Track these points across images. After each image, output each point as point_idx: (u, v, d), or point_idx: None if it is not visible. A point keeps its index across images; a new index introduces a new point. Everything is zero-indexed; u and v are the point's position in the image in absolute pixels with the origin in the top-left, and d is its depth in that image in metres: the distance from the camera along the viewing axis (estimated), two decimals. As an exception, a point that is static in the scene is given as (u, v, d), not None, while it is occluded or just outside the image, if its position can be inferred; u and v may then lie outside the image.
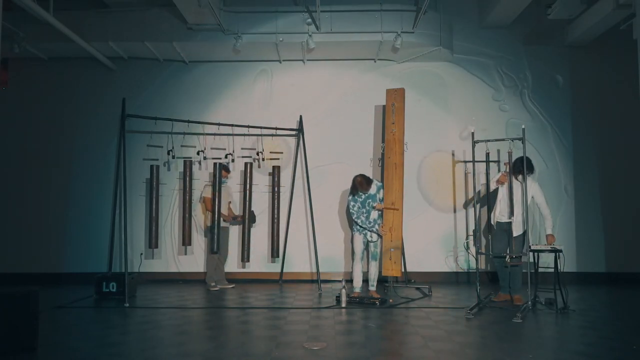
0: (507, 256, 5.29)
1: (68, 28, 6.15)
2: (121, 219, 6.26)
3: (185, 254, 7.18)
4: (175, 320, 4.83)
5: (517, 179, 5.48)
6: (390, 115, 6.24)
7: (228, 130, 6.96)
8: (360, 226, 5.70)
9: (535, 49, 7.35)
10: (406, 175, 6.20)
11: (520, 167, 5.37)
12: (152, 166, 6.57)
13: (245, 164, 6.65)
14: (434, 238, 7.15)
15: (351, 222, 6.00)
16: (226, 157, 6.91)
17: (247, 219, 6.58)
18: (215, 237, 6.24)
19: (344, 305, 5.40)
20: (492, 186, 5.60)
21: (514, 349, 3.80)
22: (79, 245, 7.16)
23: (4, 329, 3.60)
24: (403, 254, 6.23)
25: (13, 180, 7.24)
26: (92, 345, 3.93)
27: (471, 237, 6.97)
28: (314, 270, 6.77)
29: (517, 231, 5.42)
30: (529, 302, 5.06)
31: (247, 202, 6.60)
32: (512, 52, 7.36)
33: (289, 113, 7.25)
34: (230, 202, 6.83)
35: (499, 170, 6.60)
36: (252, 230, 6.76)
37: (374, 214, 5.72)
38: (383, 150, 6.30)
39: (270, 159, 7.08)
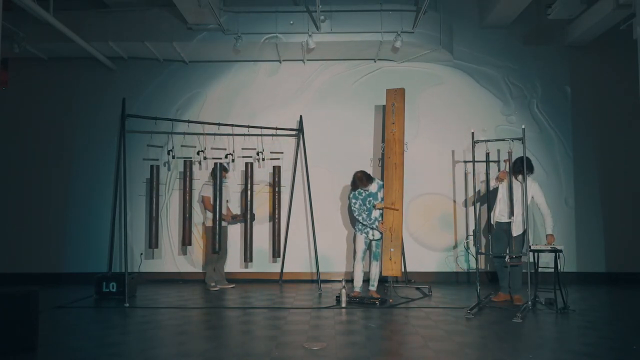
0: (507, 256, 5.29)
1: (68, 28, 6.16)
2: (121, 219, 6.27)
3: (185, 254, 7.19)
4: (175, 320, 4.83)
5: (517, 179, 5.48)
6: (390, 115, 6.24)
7: (228, 130, 6.97)
8: (362, 223, 5.71)
9: (535, 49, 7.35)
10: (406, 175, 6.19)
11: (520, 167, 5.38)
12: (152, 166, 6.57)
13: (246, 164, 6.65)
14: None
15: (353, 221, 6.01)
16: (226, 157, 6.91)
17: (248, 219, 6.58)
18: (217, 236, 6.23)
19: (344, 305, 5.40)
20: (492, 184, 5.61)
21: (514, 349, 3.80)
22: (79, 245, 7.16)
23: (4, 329, 3.60)
24: (403, 254, 6.24)
25: (13, 180, 7.24)
26: (92, 345, 3.93)
27: (471, 237, 6.98)
28: (314, 270, 6.77)
29: (517, 231, 5.42)
30: (529, 302, 5.06)
31: (249, 202, 6.59)
32: (512, 53, 7.35)
33: (289, 113, 7.26)
34: (228, 201, 6.82)
35: (499, 170, 6.60)
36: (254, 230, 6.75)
37: (375, 213, 5.73)
38: (383, 150, 6.30)
39: (271, 159, 7.09)
